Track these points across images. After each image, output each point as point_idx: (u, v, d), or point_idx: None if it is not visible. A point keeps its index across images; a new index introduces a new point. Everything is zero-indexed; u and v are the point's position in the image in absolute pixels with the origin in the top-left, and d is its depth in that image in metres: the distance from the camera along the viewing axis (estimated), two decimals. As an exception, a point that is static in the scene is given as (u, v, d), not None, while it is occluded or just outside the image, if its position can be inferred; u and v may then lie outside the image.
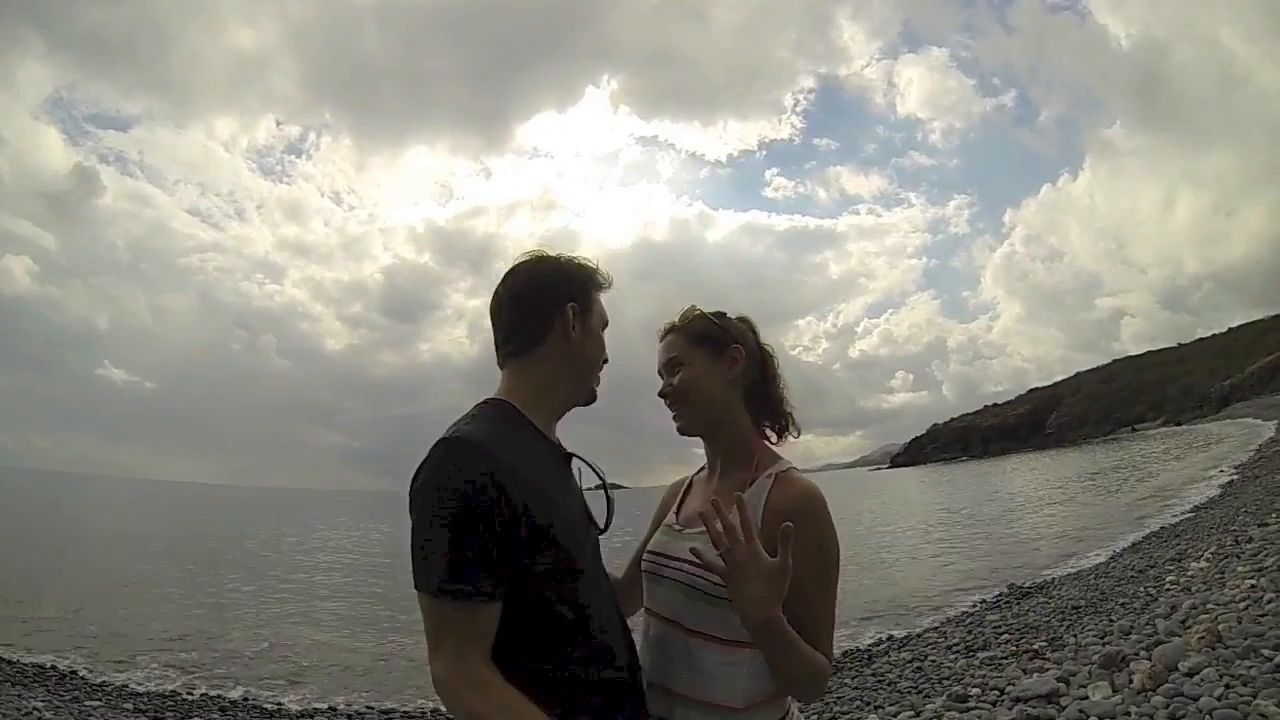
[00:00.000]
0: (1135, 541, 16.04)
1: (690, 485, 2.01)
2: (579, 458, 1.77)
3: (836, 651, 9.88)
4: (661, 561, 1.80)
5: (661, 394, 1.90)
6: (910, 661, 8.64)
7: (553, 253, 1.76)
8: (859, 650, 10.02)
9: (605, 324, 1.78)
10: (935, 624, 11.11)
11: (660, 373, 1.92)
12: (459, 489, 1.42)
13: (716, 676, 1.65)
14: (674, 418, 1.90)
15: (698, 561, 1.57)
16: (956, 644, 9.15)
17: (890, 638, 10.63)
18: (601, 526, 1.76)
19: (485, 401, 1.67)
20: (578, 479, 1.77)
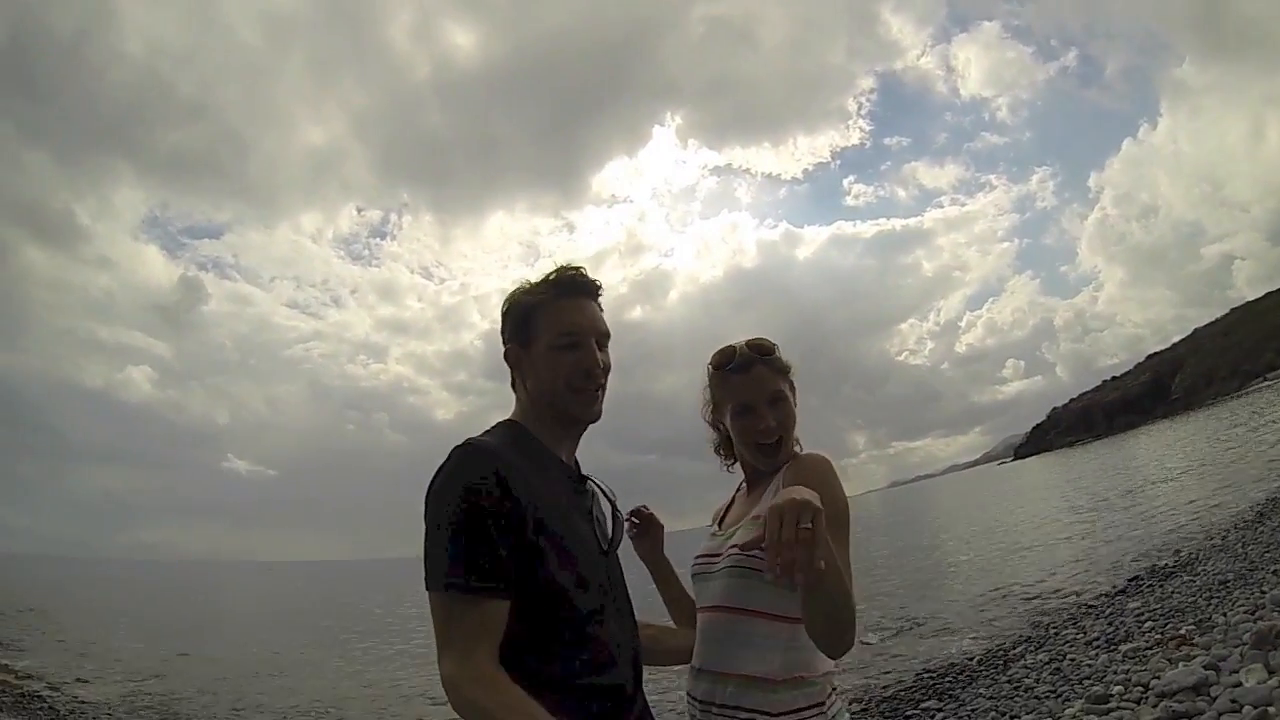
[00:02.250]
0: (1281, 500, 14.86)
1: (732, 501, 2.09)
2: (591, 479, 1.83)
3: (973, 655, 9.40)
4: (707, 560, 1.90)
5: (763, 430, 1.89)
6: (1048, 663, 8.13)
7: (516, 287, 1.81)
8: (993, 655, 9.46)
9: (564, 334, 1.72)
10: (1072, 618, 10.41)
11: (747, 408, 1.91)
12: (469, 490, 1.49)
13: (756, 649, 1.72)
14: (766, 456, 1.92)
15: (740, 545, 1.68)
16: (1097, 638, 8.58)
17: (1026, 639, 9.98)
18: (606, 546, 1.76)
19: (501, 421, 1.76)
20: (592, 501, 1.81)
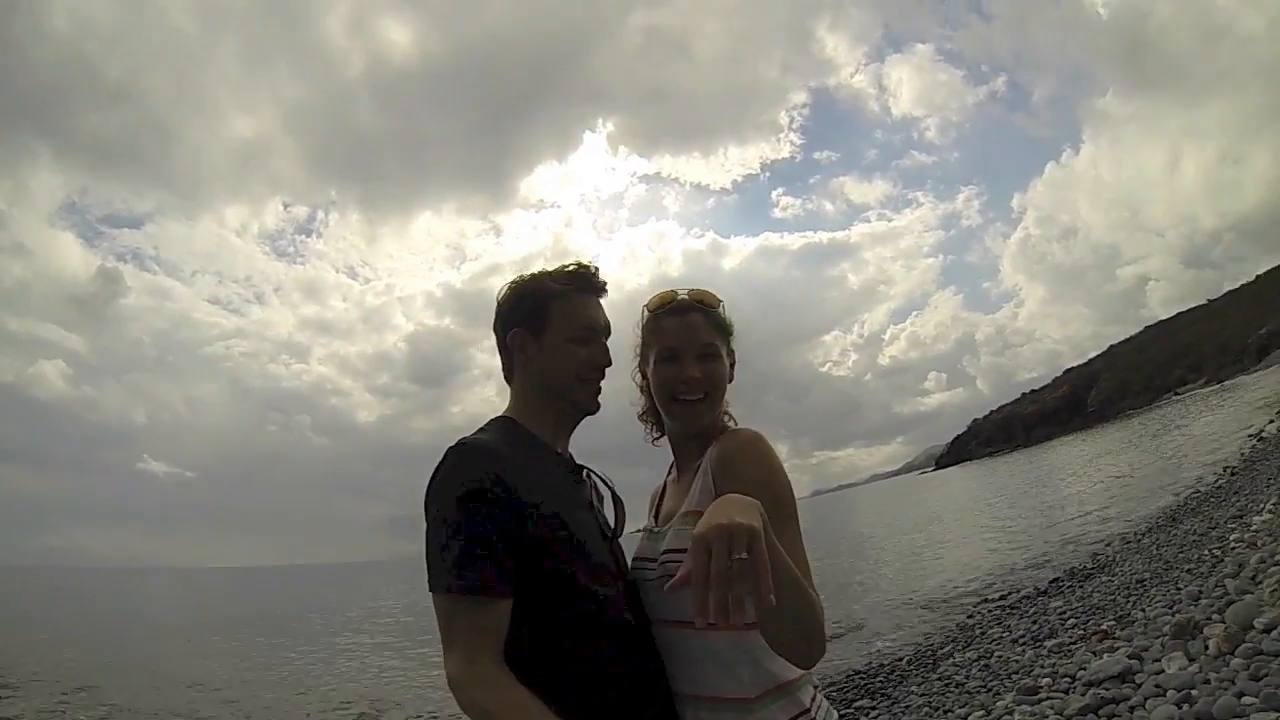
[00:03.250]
0: (1192, 504, 15.54)
1: (664, 488, 1.91)
2: (589, 469, 1.82)
3: (901, 655, 9.55)
4: (646, 565, 1.73)
5: (685, 380, 1.70)
6: (976, 660, 8.32)
7: (528, 273, 1.79)
8: (923, 654, 9.66)
9: (583, 328, 1.73)
10: (997, 619, 10.70)
11: (673, 354, 1.73)
12: (468, 489, 1.49)
13: (719, 666, 1.56)
14: (683, 413, 1.74)
15: (679, 550, 1.53)
16: (1022, 636, 8.81)
17: (953, 638, 10.24)
18: (611, 534, 1.75)
19: (494, 417, 1.75)
20: (591, 491, 1.80)
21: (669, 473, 1.92)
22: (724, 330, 1.77)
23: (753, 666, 1.54)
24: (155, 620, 39.73)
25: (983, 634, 9.96)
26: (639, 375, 1.87)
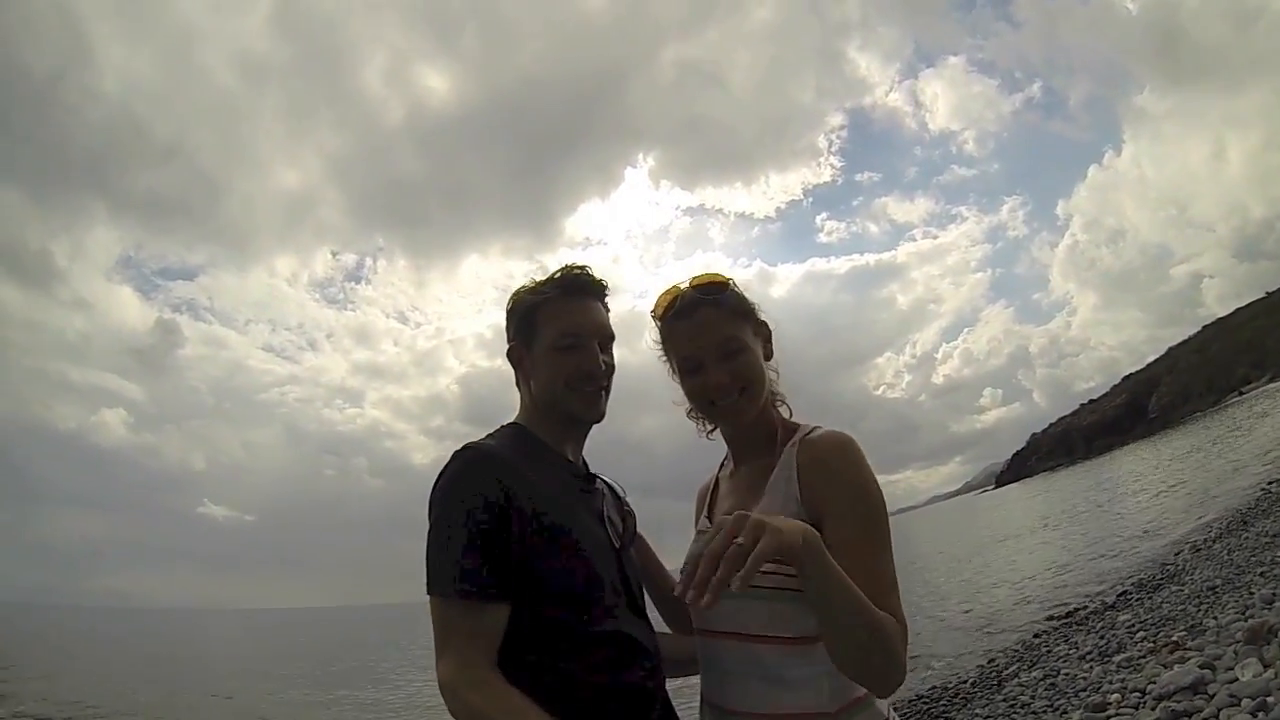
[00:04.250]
0: (1263, 506, 14.94)
1: (716, 484, 1.82)
2: (600, 477, 1.79)
3: (966, 678, 9.27)
4: None
5: (714, 388, 1.60)
6: (1042, 679, 8.00)
7: (523, 285, 1.76)
8: (987, 676, 9.33)
9: (565, 335, 1.67)
10: (1063, 635, 10.31)
11: (695, 362, 1.62)
12: (471, 493, 1.49)
13: (796, 682, 1.46)
14: (724, 414, 1.65)
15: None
16: (1089, 652, 8.48)
17: (1018, 658, 9.86)
18: (618, 544, 1.71)
19: (505, 424, 1.74)
20: (601, 500, 1.74)
21: (720, 468, 1.83)
22: (742, 312, 1.64)
23: (831, 679, 1.44)
24: (216, 658, 40.48)
25: (1048, 652, 9.56)
26: (674, 376, 1.75)
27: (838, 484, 1.46)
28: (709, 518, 1.76)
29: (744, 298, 1.66)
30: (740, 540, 1.17)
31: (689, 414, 1.79)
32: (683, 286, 1.66)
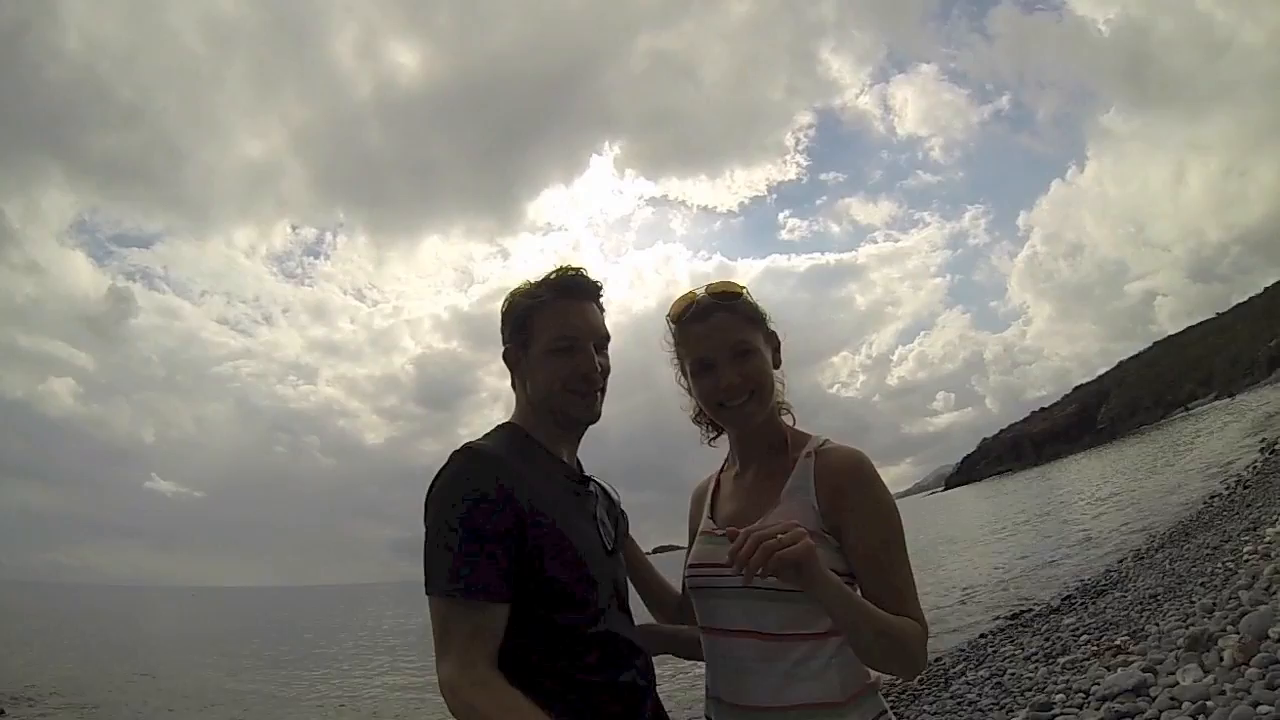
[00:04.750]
0: (1204, 518, 15.37)
1: (718, 484, 1.85)
2: (594, 480, 1.80)
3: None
4: (713, 572, 1.66)
5: (726, 389, 1.64)
6: (989, 678, 8.18)
7: (518, 286, 1.76)
8: (933, 673, 9.49)
9: (561, 338, 1.68)
10: (1009, 636, 10.55)
11: (707, 363, 1.66)
12: (468, 493, 1.49)
13: (810, 675, 1.52)
14: (733, 417, 1.69)
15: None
16: (1035, 653, 8.69)
17: (965, 657, 10.07)
18: (611, 546, 1.72)
19: (500, 424, 1.74)
20: (595, 502, 1.75)
21: (722, 469, 1.86)
22: (755, 319, 1.69)
23: (842, 670, 1.52)
24: (160, 636, 40.10)
25: (995, 652, 9.79)
26: (683, 380, 1.79)
27: (860, 498, 1.54)
28: (712, 518, 1.78)
29: (757, 306, 1.71)
30: (788, 548, 1.30)
31: (694, 418, 1.86)
32: (698, 292, 1.70)
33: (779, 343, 1.74)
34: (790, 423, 1.75)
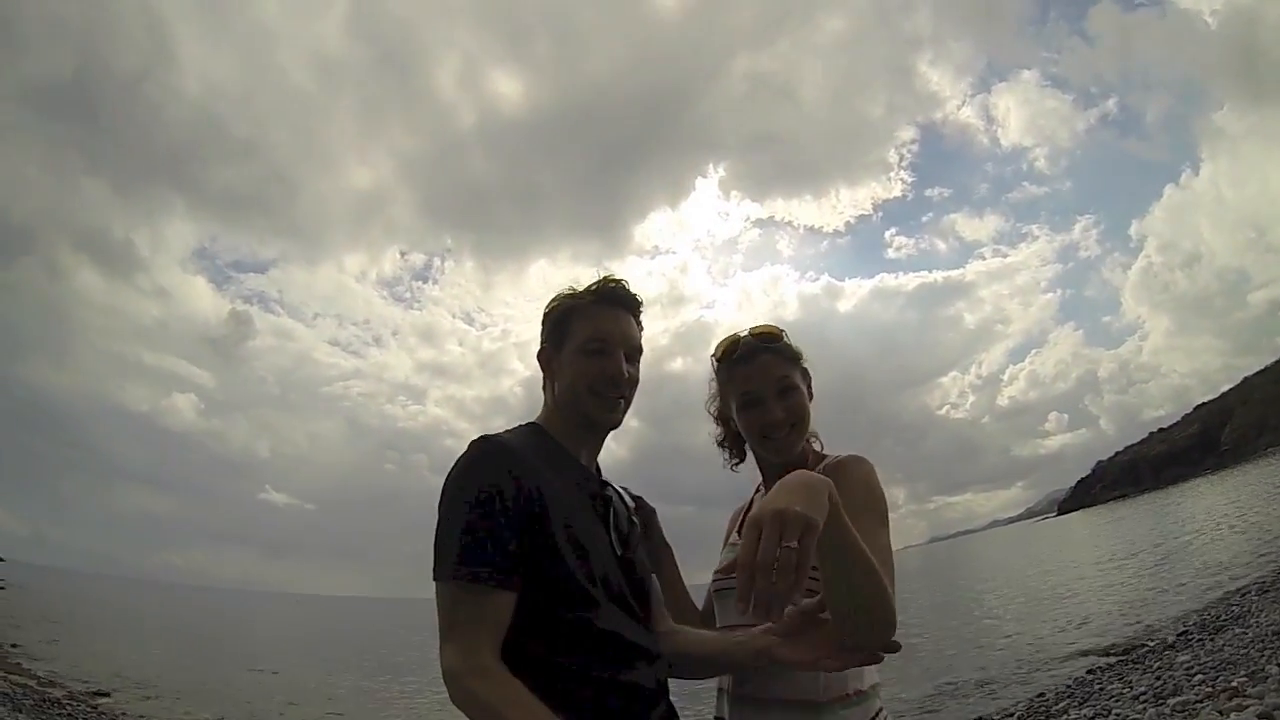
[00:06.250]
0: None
1: (749, 506, 2.01)
2: (612, 485, 1.82)
3: (1013, 711, 9.04)
4: (727, 576, 1.82)
5: (772, 423, 1.83)
6: (1093, 718, 7.84)
7: (558, 292, 1.82)
8: (1035, 710, 9.11)
9: (593, 339, 1.73)
10: (1118, 674, 10.01)
11: (754, 398, 1.85)
12: (482, 481, 1.51)
13: (799, 672, 1.62)
14: (776, 447, 1.86)
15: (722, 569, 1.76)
16: (1144, 692, 8.22)
17: (1070, 694, 9.61)
18: (620, 550, 1.73)
19: (524, 423, 1.78)
20: (609, 507, 1.77)
21: (756, 492, 2.01)
22: (794, 360, 1.89)
23: (830, 674, 1.61)
24: (270, 639, 42.12)
25: (1101, 690, 9.29)
26: (714, 407, 2.00)
27: (848, 479, 1.65)
28: (739, 531, 1.95)
29: (794, 347, 1.90)
30: (793, 545, 1.33)
31: (719, 443, 2.04)
32: (742, 334, 1.90)
33: (810, 379, 1.92)
34: (818, 448, 1.90)
